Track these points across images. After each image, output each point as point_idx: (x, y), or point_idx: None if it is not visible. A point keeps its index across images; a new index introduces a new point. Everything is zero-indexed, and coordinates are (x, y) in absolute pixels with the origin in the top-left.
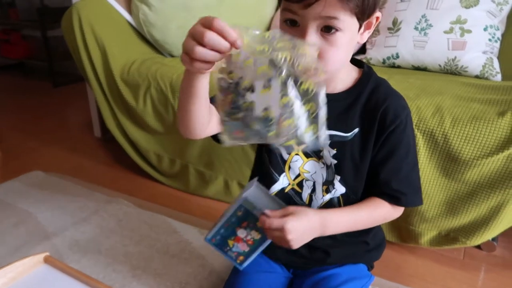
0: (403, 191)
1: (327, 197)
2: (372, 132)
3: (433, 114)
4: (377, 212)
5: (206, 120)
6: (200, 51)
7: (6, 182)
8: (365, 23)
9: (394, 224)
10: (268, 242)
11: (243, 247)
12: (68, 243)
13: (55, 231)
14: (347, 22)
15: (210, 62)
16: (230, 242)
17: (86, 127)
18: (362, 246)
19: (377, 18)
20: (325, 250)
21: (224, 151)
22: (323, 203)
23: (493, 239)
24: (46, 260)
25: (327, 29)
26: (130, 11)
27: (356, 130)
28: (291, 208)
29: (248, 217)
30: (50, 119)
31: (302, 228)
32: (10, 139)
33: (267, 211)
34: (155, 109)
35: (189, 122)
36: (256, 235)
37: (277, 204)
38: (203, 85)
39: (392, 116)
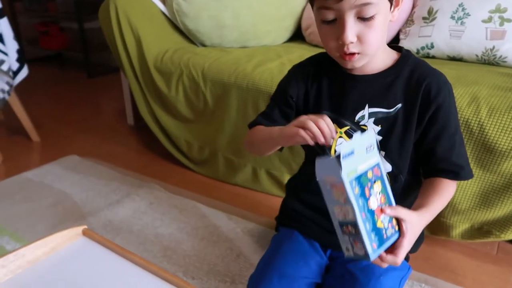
0: (462, 164)
1: None
2: (415, 107)
3: (468, 104)
4: (449, 193)
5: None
6: (311, 124)
7: (44, 165)
8: (394, 0)
9: None
10: (384, 173)
11: (386, 210)
12: (102, 223)
13: (90, 211)
14: (380, 5)
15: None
16: (380, 224)
17: (119, 116)
18: None
19: None
20: None
21: None
22: None
23: None
24: (85, 233)
25: (364, 16)
26: (164, 1)
27: (399, 105)
28: (403, 214)
29: (362, 182)
30: (85, 108)
31: (414, 238)
32: (47, 126)
33: (384, 257)
34: (186, 97)
35: (264, 152)
36: (379, 187)
37: (367, 140)
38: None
39: (435, 91)
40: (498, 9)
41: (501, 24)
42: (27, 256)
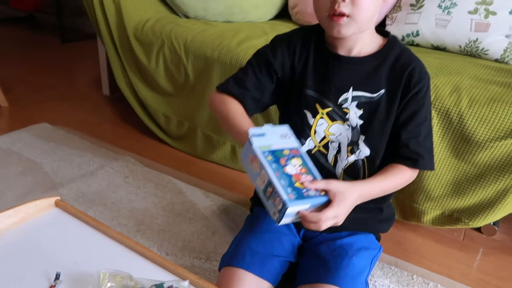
0: (421, 154)
1: (352, 158)
2: (398, 93)
3: (450, 93)
4: (400, 179)
5: None
6: None
7: (13, 131)
8: None
9: (399, 201)
10: (305, 155)
11: (306, 178)
12: (74, 194)
13: (61, 182)
14: None
15: None
16: (298, 184)
17: (93, 85)
18: (375, 213)
19: None
20: None
21: None
22: (347, 165)
23: (494, 224)
24: (57, 204)
25: None
26: None
27: (383, 91)
28: (333, 185)
29: (277, 154)
30: (58, 74)
31: (347, 208)
32: (16, 91)
33: (306, 213)
34: (167, 70)
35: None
36: (298, 161)
37: (280, 131)
38: None
39: (416, 78)
40: (484, 1)
41: (486, 16)
42: None
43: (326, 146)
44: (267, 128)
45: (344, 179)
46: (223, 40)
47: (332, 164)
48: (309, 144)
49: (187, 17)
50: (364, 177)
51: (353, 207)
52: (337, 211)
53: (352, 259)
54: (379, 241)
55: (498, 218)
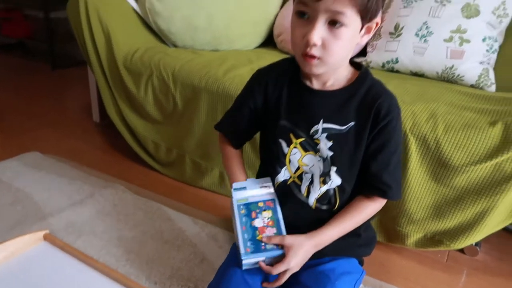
0: (390, 184)
1: (324, 188)
2: (367, 126)
3: (427, 120)
4: (362, 215)
5: None
6: None
7: (3, 161)
8: (366, 25)
9: (382, 224)
10: (278, 207)
11: (270, 231)
12: (64, 224)
13: (51, 212)
14: (352, 19)
15: None
16: (260, 238)
17: (84, 112)
18: (353, 239)
19: (377, 23)
20: None
21: None
22: (320, 195)
23: (476, 244)
24: (46, 238)
25: (334, 23)
26: None
27: (352, 123)
28: (287, 240)
29: (251, 207)
30: (48, 101)
31: (300, 260)
32: (7, 119)
33: (262, 265)
34: (155, 98)
35: None
36: (269, 214)
37: (261, 183)
38: None
39: (385, 111)
40: (458, 30)
41: (461, 44)
42: None
43: (300, 177)
44: (250, 181)
45: (316, 208)
46: (210, 70)
47: (305, 195)
48: (285, 174)
49: (175, 46)
50: (335, 205)
51: (308, 257)
52: (289, 264)
53: (334, 284)
54: (362, 264)
55: (478, 239)
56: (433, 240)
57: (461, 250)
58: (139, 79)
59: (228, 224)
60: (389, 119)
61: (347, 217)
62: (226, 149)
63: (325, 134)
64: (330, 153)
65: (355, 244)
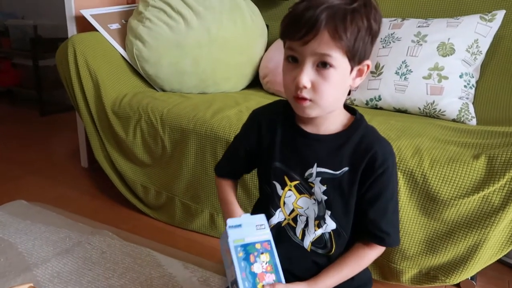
0: (388, 232)
1: (319, 232)
2: (358, 173)
3: (412, 155)
4: (362, 262)
5: None
6: None
7: None
8: (356, 68)
9: (377, 262)
10: (275, 249)
11: (269, 278)
12: (49, 275)
13: (36, 262)
14: (339, 60)
15: None
16: (260, 286)
17: (72, 157)
18: (347, 282)
19: (368, 66)
20: None
21: (210, 184)
22: (315, 238)
23: (472, 278)
24: None
25: (322, 65)
26: (124, 46)
27: (346, 168)
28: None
29: (249, 250)
30: (36, 148)
31: None
32: None
33: None
34: (144, 142)
35: None
36: (266, 257)
37: (257, 220)
38: None
39: (380, 160)
40: (436, 67)
41: (439, 81)
42: None
43: (295, 219)
44: (244, 218)
45: (312, 251)
46: (198, 112)
47: (300, 237)
48: (279, 216)
49: (163, 90)
50: (331, 249)
51: None
52: None
53: None
54: None
55: (472, 273)
56: (428, 275)
57: (458, 285)
58: (127, 123)
59: (219, 268)
60: (385, 167)
61: (345, 265)
62: (222, 181)
63: (319, 178)
64: (325, 197)
65: (350, 287)
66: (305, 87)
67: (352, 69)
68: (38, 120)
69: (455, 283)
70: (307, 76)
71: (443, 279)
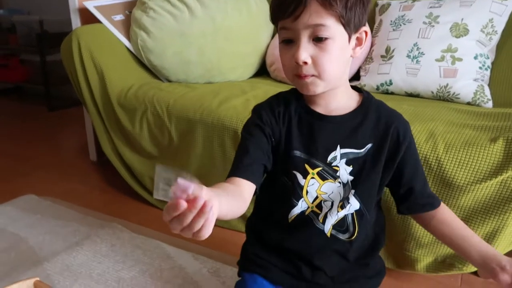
0: (433, 194)
1: (342, 213)
2: (384, 148)
3: (426, 140)
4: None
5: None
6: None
7: None
8: (354, 36)
9: (390, 250)
10: None
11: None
12: (59, 268)
13: (46, 256)
14: (334, 29)
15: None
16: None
17: (80, 151)
18: (362, 270)
19: (366, 32)
20: (330, 275)
21: (218, 175)
22: (337, 220)
23: None
24: (36, 286)
25: (318, 40)
26: (128, 37)
27: (370, 145)
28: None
29: None
30: (45, 143)
31: None
32: (3, 164)
33: None
34: (151, 133)
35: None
36: None
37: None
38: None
39: (402, 134)
40: (449, 49)
41: (453, 63)
42: None
43: (319, 206)
44: None
45: (332, 236)
46: (204, 102)
47: (321, 221)
48: (302, 205)
49: (169, 81)
50: (353, 232)
51: None
52: None
53: None
54: None
55: None
56: (444, 263)
57: (475, 273)
58: (133, 115)
59: (229, 259)
60: (408, 139)
61: (461, 223)
62: (228, 180)
63: (344, 160)
64: (351, 178)
65: (365, 276)
66: (305, 63)
67: (350, 38)
68: (46, 116)
69: (472, 270)
70: (305, 52)
71: (460, 267)
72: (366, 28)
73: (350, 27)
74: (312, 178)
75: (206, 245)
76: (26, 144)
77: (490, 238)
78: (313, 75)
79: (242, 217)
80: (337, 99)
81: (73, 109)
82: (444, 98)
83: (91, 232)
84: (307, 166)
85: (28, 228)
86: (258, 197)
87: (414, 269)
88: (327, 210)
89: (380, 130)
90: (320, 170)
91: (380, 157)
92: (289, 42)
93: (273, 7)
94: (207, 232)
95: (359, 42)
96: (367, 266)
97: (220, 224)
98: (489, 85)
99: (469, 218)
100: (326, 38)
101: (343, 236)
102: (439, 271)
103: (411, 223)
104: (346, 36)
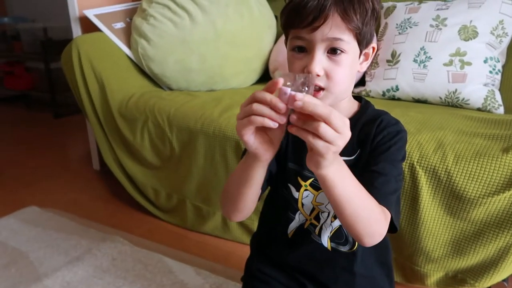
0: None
1: (336, 223)
2: (368, 146)
3: (435, 150)
4: (373, 201)
5: (254, 205)
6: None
7: (1, 218)
8: (363, 51)
9: (398, 264)
10: None
11: None
12: (59, 285)
13: (46, 272)
14: (351, 45)
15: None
16: None
17: (84, 160)
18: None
19: (373, 48)
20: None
21: (221, 186)
22: (332, 231)
23: (504, 280)
24: None
25: (333, 51)
26: (129, 45)
27: (359, 151)
28: None
29: None
30: (49, 152)
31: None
32: (7, 173)
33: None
34: (152, 143)
35: (240, 205)
36: None
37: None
38: (262, 174)
39: (384, 124)
40: (458, 53)
41: (462, 67)
42: None
43: (317, 218)
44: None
45: (333, 250)
46: (205, 111)
47: (317, 234)
48: (299, 218)
49: (170, 89)
50: (354, 243)
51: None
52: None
53: None
54: None
55: (504, 276)
56: (456, 279)
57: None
58: (134, 125)
59: (232, 273)
60: (384, 134)
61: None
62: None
63: None
64: None
65: (383, 279)
66: (318, 76)
67: (360, 53)
68: (51, 123)
69: (486, 287)
70: (319, 64)
71: (472, 282)
72: (374, 44)
73: (363, 43)
74: (306, 190)
75: (210, 257)
76: (30, 152)
77: (503, 253)
78: (323, 89)
79: (245, 228)
80: (338, 109)
81: (78, 116)
82: (453, 104)
83: (93, 246)
84: (299, 179)
85: (29, 242)
86: (262, 212)
87: (424, 283)
88: (324, 221)
89: (365, 130)
90: (313, 181)
91: (368, 158)
92: (301, 50)
93: (286, 14)
94: (248, 131)
95: (366, 57)
96: (374, 279)
97: (223, 235)
98: (500, 90)
99: (481, 232)
100: (341, 52)
101: (344, 248)
102: (450, 287)
103: (420, 237)
104: (358, 51)
